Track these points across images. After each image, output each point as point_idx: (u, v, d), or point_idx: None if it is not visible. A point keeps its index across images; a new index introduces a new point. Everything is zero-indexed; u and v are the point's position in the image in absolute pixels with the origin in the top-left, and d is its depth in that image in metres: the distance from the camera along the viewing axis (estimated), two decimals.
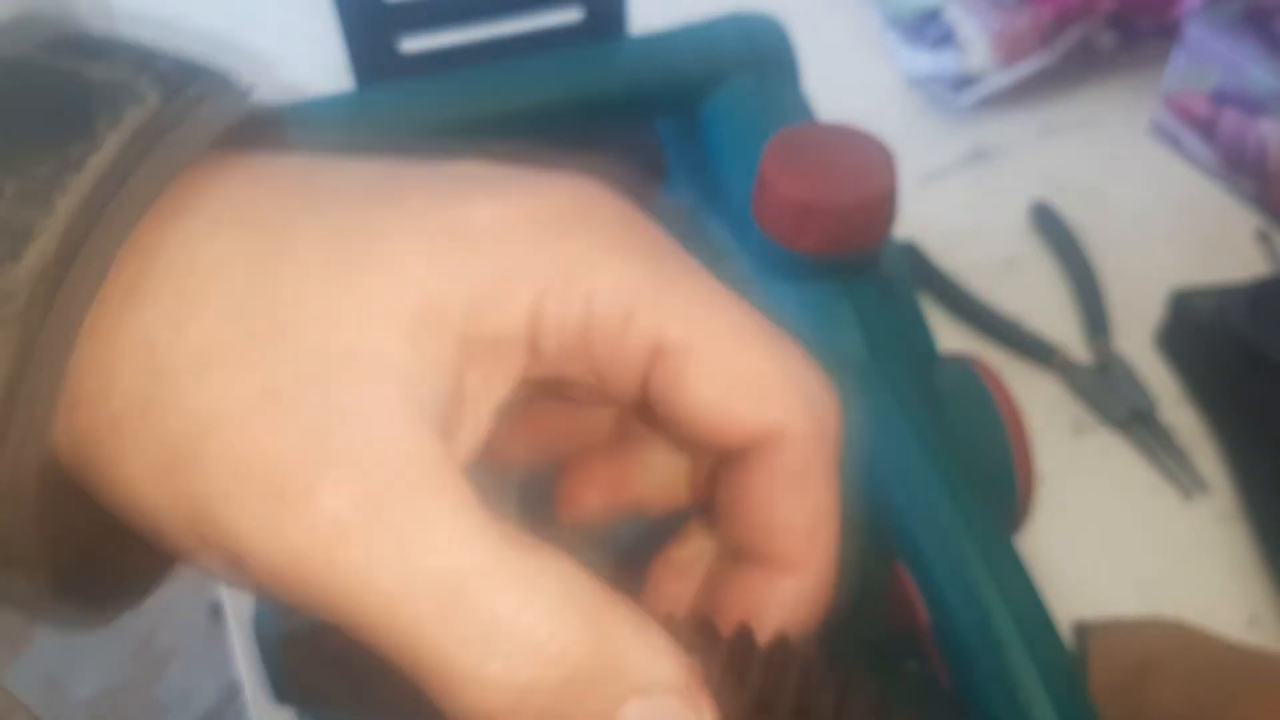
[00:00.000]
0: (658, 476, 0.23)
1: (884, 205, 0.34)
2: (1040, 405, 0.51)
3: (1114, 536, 0.47)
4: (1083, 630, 0.42)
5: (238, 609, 0.47)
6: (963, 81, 0.63)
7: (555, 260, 0.19)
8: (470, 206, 0.19)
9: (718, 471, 0.22)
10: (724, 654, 0.20)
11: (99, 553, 0.20)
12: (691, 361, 0.20)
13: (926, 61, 0.64)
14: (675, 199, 0.43)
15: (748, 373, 0.20)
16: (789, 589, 0.21)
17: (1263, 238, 0.58)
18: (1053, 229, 0.58)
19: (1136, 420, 0.50)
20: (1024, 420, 0.35)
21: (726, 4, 0.41)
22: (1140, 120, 0.64)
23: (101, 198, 0.17)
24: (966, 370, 0.36)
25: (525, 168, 0.20)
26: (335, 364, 0.17)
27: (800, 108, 0.40)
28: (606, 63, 0.39)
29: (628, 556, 0.25)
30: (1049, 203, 0.59)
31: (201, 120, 0.18)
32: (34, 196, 0.16)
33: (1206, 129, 0.60)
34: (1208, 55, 0.58)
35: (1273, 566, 0.45)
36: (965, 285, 0.55)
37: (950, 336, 0.54)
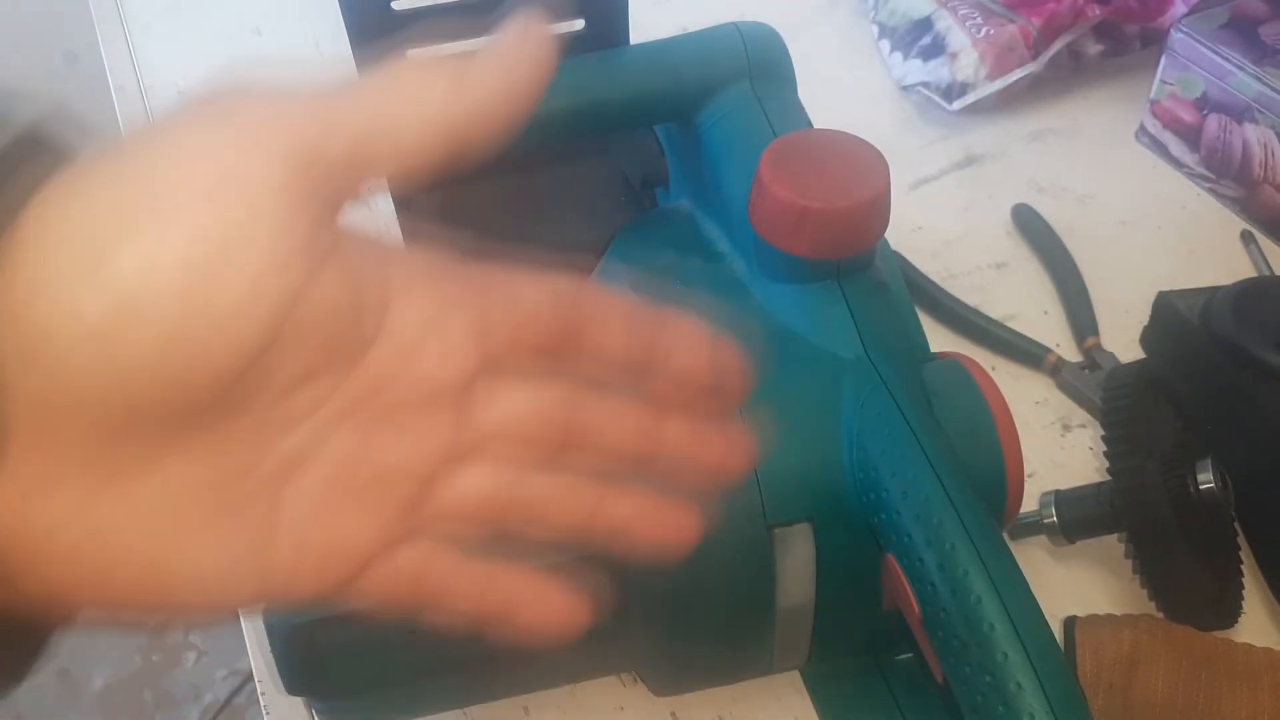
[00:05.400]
0: None
1: (877, 209, 0.34)
2: (1030, 403, 0.52)
3: None
4: (1070, 624, 0.43)
5: None
6: (954, 89, 0.64)
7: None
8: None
9: None
10: None
11: None
12: None
13: (918, 70, 0.65)
14: (675, 202, 0.44)
15: None
16: None
17: (1247, 240, 0.59)
18: (1038, 233, 0.59)
19: None
20: (1012, 416, 0.36)
21: (725, 14, 0.41)
22: (1127, 126, 0.65)
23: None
24: (957, 368, 0.37)
25: None
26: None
27: (796, 115, 0.40)
28: (608, 70, 0.39)
29: None
30: (1035, 207, 0.60)
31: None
32: None
33: (1192, 135, 0.61)
34: (1193, 63, 0.60)
35: (1258, 560, 0.46)
36: (954, 291, 0.56)
37: (941, 342, 0.55)
